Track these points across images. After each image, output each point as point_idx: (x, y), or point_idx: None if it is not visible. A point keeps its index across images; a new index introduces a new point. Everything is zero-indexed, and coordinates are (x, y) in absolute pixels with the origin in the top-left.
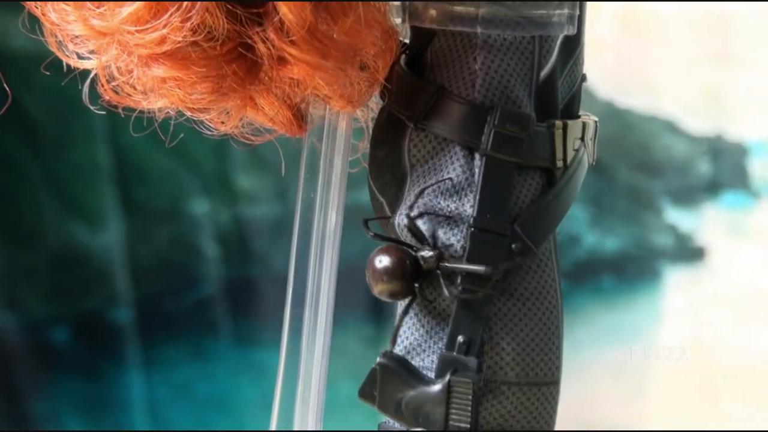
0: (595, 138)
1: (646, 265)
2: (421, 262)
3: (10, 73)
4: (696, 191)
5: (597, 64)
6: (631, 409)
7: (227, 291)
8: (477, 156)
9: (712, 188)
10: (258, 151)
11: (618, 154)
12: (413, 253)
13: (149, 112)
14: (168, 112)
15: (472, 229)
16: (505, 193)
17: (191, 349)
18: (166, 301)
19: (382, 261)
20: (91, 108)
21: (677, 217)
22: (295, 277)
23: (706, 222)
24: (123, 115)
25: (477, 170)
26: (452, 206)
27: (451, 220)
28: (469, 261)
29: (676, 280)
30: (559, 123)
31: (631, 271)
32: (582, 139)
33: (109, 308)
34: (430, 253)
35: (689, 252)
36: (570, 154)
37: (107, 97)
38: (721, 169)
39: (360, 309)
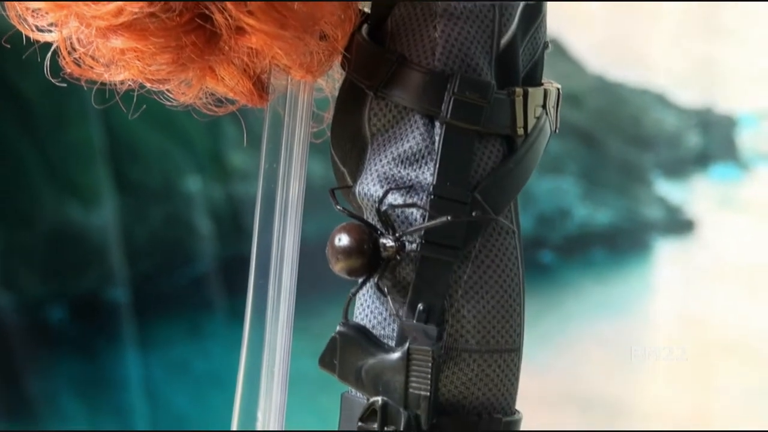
0: (557, 106)
1: (637, 238)
2: (381, 249)
3: (2, 55)
4: (686, 164)
5: (588, 38)
6: (623, 381)
7: (222, 268)
8: (437, 124)
9: (701, 160)
10: (250, 128)
11: (609, 127)
12: (375, 235)
13: (111, 84)
14: (130, 85)
15: (432, 197)
16: (465, 160)
17: (187, 327)
18: (161, 279)
19: (342, 240)
20: (53, 81)
21: (667, 189)
22: (258, 248)
23: (695, 194)
24: (109, 96)
25: (437, 138)
26: (412, 175)
27: (411, 188)
28: (429, 229)
29: (666, 252)
30: (519, 90)
31: (622, 244)
32: (544, 106)
33: (105, 287)
34: (392, 243)
35: (679, 224)
36: (531, 121)
37: (69, 70)
38: (710, 142)
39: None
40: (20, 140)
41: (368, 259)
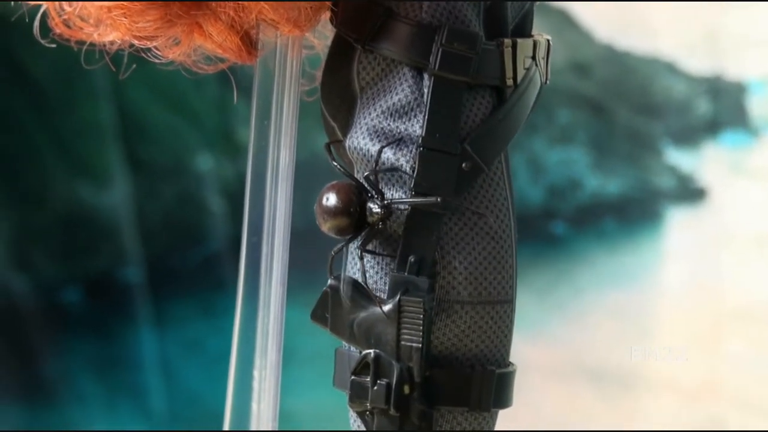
0: (547, 57)
1: (648, 207)
2: (367, 213)
3: (11, 35)
4: (696, 131)
5: (595, 7)
6: (635, 351)
7: (234, 246)
8: (425, 76)
9: (711, 128)
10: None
11: (618, 97)
12: (364, 196)
13: (101, 45)
14: (120, 44)
15: (421, 149)
16: (454, 112)
17: (201, 306)
18: (174, 258)
19: (329, 199)
20: (43, 42)
21: (678, 157)
22: (250, 205)
23: (706, 162)
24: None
25: (426, 90)
26: (401, 127)
27: (401, 141)
28: (418, 181)
29: (677, 221)
30: (508, 41)
31: (633, 213)
32: (533, 57)
33: (119, 267)
34: (378, 210)
35: (690, 192)
36: (520, 72)
37: (58, 31)
38: (720, 109)
39: None
40: (31, 121)
41: (355, 220)
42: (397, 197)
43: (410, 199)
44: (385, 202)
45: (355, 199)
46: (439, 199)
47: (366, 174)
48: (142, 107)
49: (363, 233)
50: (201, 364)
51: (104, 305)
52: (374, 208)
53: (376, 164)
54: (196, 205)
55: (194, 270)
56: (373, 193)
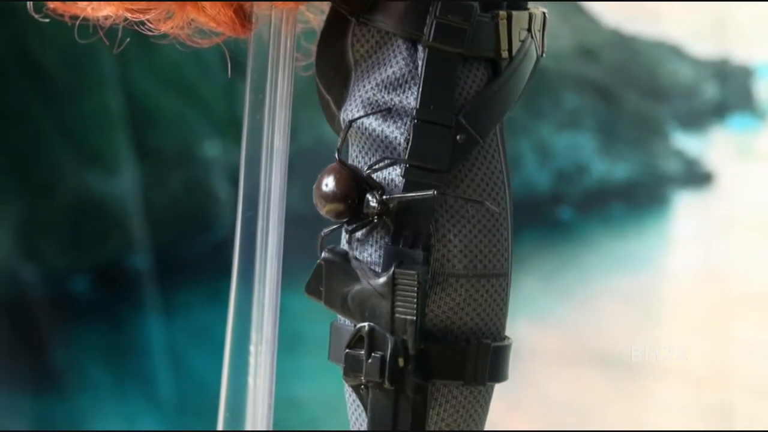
0: (543, 29)
1: (655, 192)
2: (365, 204)
3: (19, 25)
4: (703, 115)
5: None
6: (643, 336)
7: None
8: (420, 48)
9: (718, 112)
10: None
11: (625, 81)
12: (364, 186)
13: (95, 20)
14: (114, 19)
15: (416, 121)
16: (448, 84)
17: (209, 293)
18: (182, 246)
19: (328, 185)
20: (36, 16)
21: (685, 142)
22: (245, 179)
23: (713, 146)
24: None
25: (420, 62)
26: (395, 99)
27: (395, 113)
28: (412, 153)
29: (684, 205)
30: (503, 13)
31: (640, 198)
32: (529, 29)
33: (127, 255)
34: (375, 204)
35: (697, 177)
36: (516, 44)
37: (52, 6)
38: (727, 93)
39: None
40: (39, 110)
41: (352, 209)
42: (393, 174)
43: (408, 194)
44: (384, 197)
45: (354, 188)
46: (435, 193)
47: (367, 171)
48: (150, 95)
49: (357, 222)
50: (209, 351)
51: (113, 294)
52: (372, 201)
53: (373, 164)
54: (204, 192)
55: (202, 257)
56: (371, 184)
